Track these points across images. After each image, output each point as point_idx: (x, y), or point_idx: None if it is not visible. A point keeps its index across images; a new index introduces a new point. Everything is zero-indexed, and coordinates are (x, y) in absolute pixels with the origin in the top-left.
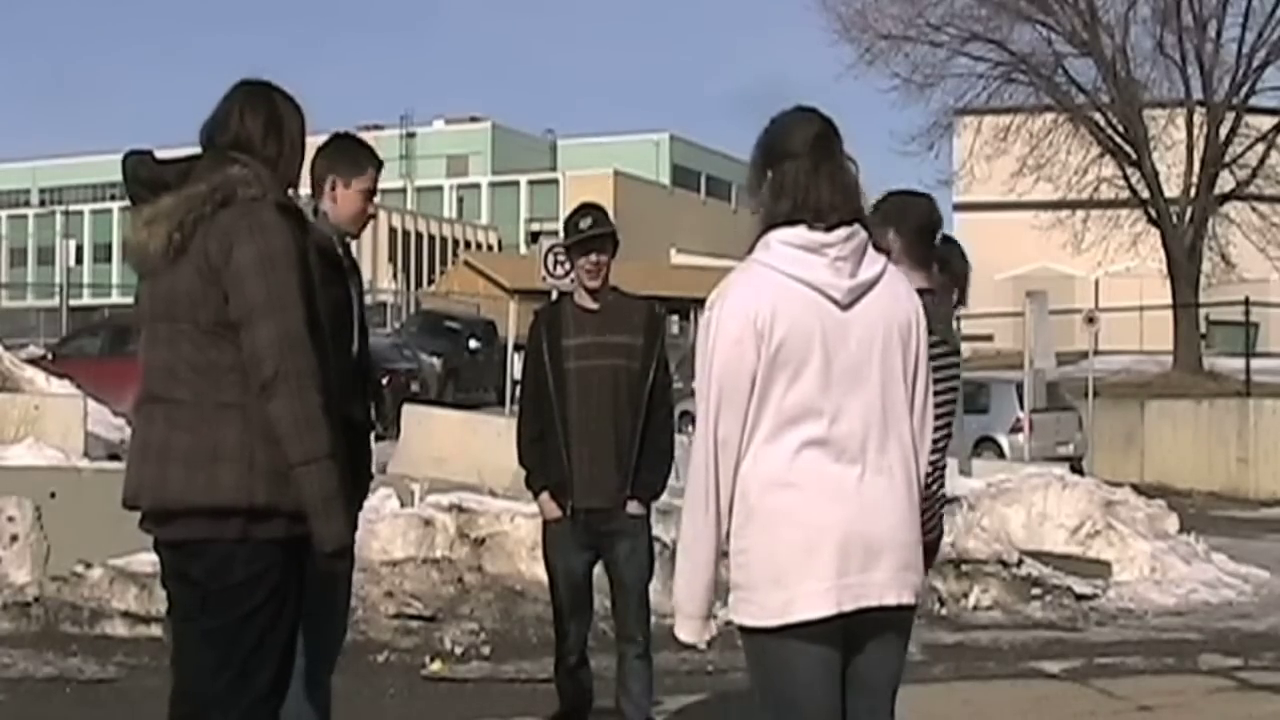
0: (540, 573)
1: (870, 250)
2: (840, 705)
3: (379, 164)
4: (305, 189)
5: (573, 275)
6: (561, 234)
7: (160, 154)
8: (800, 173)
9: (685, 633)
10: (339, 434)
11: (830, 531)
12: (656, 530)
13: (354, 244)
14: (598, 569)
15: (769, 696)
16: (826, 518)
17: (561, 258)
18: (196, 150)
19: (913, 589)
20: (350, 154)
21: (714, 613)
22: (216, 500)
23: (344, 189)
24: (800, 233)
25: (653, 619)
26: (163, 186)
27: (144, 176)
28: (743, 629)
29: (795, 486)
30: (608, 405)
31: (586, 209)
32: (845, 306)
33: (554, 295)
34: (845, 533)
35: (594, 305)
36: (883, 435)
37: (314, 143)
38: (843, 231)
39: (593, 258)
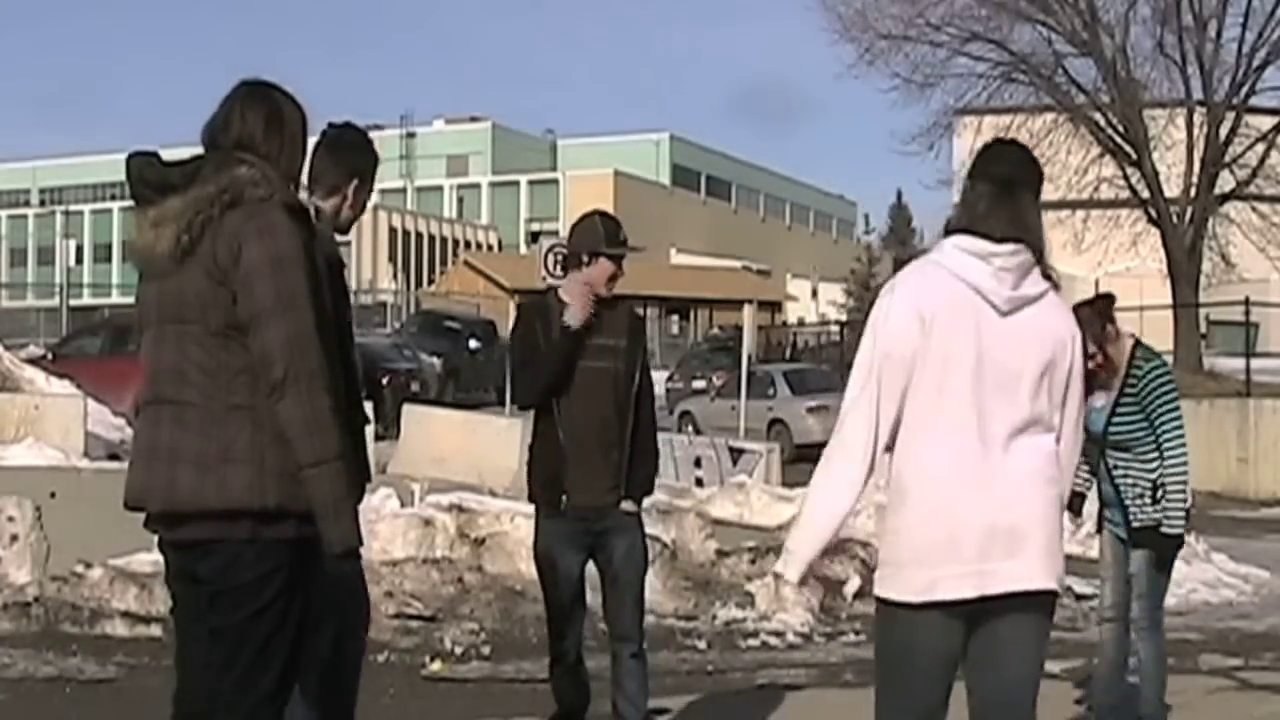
0: None
1: (1036, 272)
2: (947, 687)
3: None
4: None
5: (573, 273)
6: (580, 236)
7: (162, 154)
8: (982, 200)
9: (792, 572)
10: (347, 435)
11: (976, 520)
12: (655, 530)
13: (351, 243)
14: (590, 568)
15: (887, 664)
16: (973, 508)
17: (562, 256)
18: (200, 151)
19: (1055, 576)
20: (370, 154)
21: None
22: (228, 502)
23: (361, 191)
24: (971, 240)
25: (647, 618)
26: (169, 188)
27: (150, 178)
28: (884, 601)
29: (946, 477)
30: (595, 406)
31: (618, 222)
32: (1004, 313)
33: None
34: (989, 523)
35: None
36: (1027, 438)
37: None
38: (1010, 246)
39: (620, 271)
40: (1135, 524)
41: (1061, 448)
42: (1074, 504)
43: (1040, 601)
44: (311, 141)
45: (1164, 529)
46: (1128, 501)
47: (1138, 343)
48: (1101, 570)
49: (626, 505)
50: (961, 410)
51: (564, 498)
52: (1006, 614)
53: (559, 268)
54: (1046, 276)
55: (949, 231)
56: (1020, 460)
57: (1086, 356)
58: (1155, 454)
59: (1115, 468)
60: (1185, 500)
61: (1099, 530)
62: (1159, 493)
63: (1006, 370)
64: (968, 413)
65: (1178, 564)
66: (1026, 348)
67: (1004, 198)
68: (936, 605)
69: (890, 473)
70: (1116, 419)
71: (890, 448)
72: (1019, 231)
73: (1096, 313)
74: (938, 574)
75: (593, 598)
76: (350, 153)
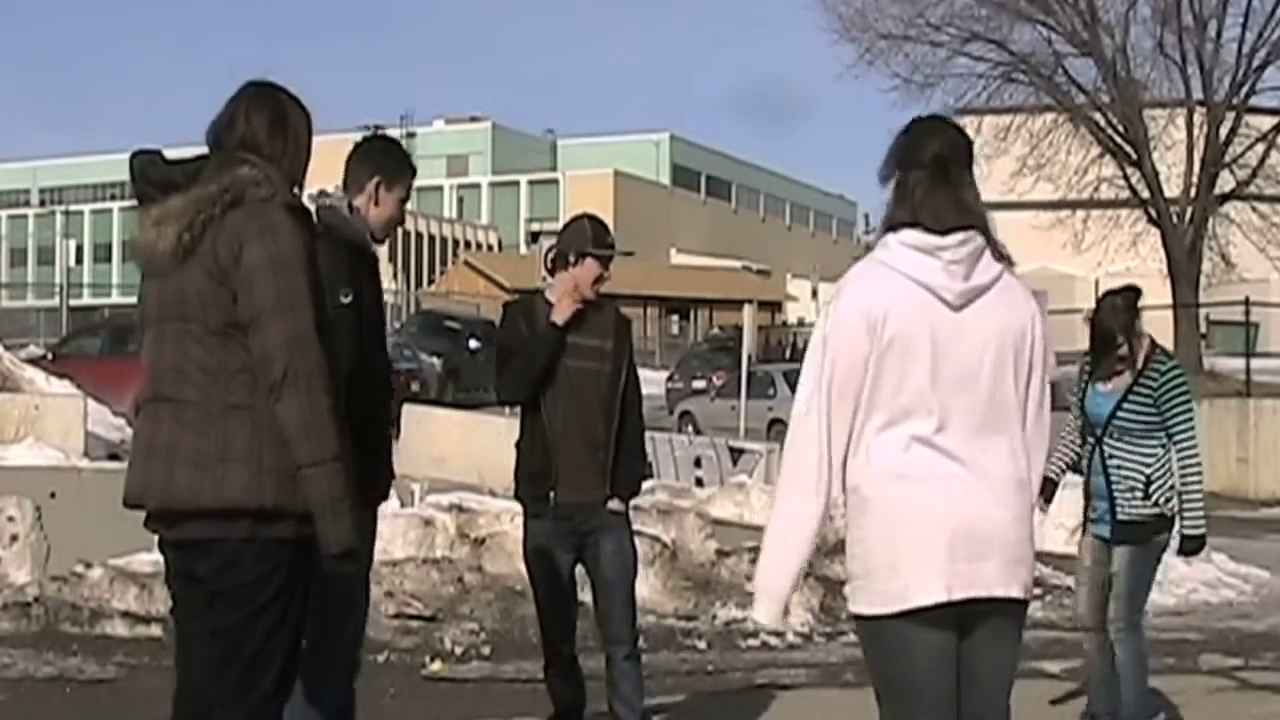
0: None
1: (986, 256)
2: (955, 691)
3: (415, 171)
4: (336, 184)
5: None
6: (568, 237)
7: (165, 154)
8: (920, 186)
9: (765, 616)
10: (347, 435)
11: (943, 522)
12: (655, 530)
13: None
14: (579, 570)
15: (885, 683)
16: (940, 509)
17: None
18: (203, 150)
19: (1022, 583)
20: (397, 158)
21: (790, 598)
22: (225, 501)
23: (386, 192)
24: (917, 235)
25: (647, 618)
26: (172, 187)
27: (153, 177)
28: (859, 617)
29: (910, 479)
30: (581, 405)
31: (606, 226)
32: (957, 308)
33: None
34: (957, 524)
35: None
36: (989, 436)
37: (323, 143)
38: (958, 236)
39: (607, 273)
40: (1122, 518)
41: (1027, 433)
42: (1045, 488)
43: (1009, 610)
44: (316, 142)
45: (1185, 530)
46: (1117, 494)
47: (1154, 343)
48: (1078, 574)
49: (613, 505)
50: (919, 411)
51: (551, 494)
52: (976, 626)
53: (552, 267)
54: (1000, 256)
55: (890, 226)
56: (986, 461)
57: (1113, 348)
58: (1154, 448)
59: (1111, 458)
60: (1204, 501)
61: (1083, 533)
62: (1151, 488)
63: (964, 366)
64: (927, 414)
65: (1178, 564)
66: (984, 340)
67: (939, 181)
68: (913, 612)
69: (848, 482)
70: (1126, 406)
71: (846, 458)
72: (961, 216)
73: (1126, 305)
74: (908, 579)
75: (588, 597)
76: (371, 154)
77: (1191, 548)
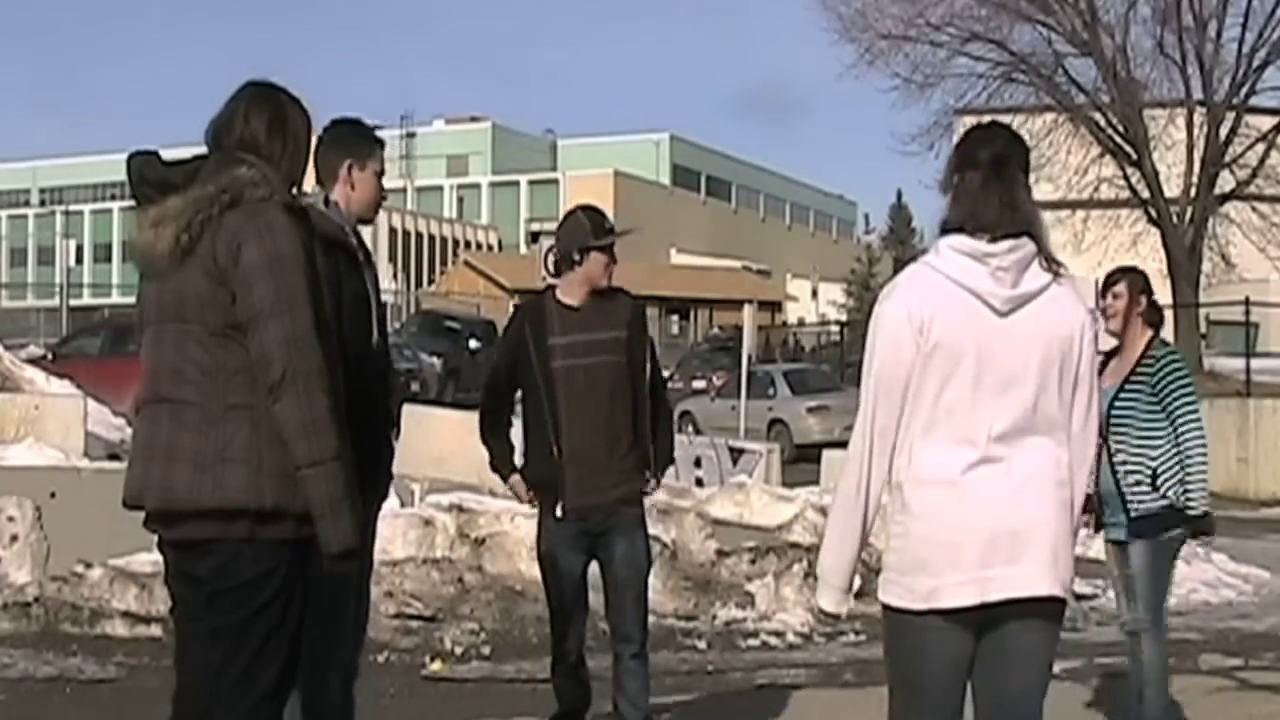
0: None
1: (1035, 264)
2: (961, 691)
3: (383, 143)
4: (310, 182)
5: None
6: (568, 235)
7: (163, 154)
8: (975, 185)
9: (827, 601)
10: (347, 435)
11: (977, 526)
12: (655, 530)
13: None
14: (593, 568)
15: (897, 675)
16: (974, 514)
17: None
18: (201, 150)
19: (1060, 583)
20: (361, 136)
21: (853, 588)
22: (224, 501)
23: (360, 172)
24: (967, 241)
25: (650, 619)
26: (170, 188)
27: (151, 177)
28: (887, 607)
29: (946, 483)
30: (597, 404)
31: (601, 211)
32: (1003, 314)
33: None
34: (992, 528)
35: (577, 303)
36: (1032, 440)
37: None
38: (1007, 243)
39: (613, 260)
40: (1133, 513)
41: (1073, 443)
42: (1085, 504)
43: (1045, 609)
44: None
45: (1189, 510)
46: (1125, 490)
47: (1155, 337)
48: (1112, 582)
49: (651, 484)
50: (961, 415)
51: (560, 504)
52: (1010, 622)
53: (556, 268)
54: (1050, 266)
55: (944, 230)
56: (1025, 463)
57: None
58: (1159, 441)
59: (1116, 453)
60: (1206, 480)
61: (1097, 529)
62: (1159, 480)
63: (1007, 372)
64: (968, 417)
65: (1178, 564)
66: (1028, 347)
67: (994, 180)
68: (939, 612)
69: (894, 480)
70: (1123, 396)
71: (891, 456)
72: (1012, 216)
73: (1128, 284)
74: (938, 581)
75: (595, 598)
76: (336, 139)
77: (1203, 526)
